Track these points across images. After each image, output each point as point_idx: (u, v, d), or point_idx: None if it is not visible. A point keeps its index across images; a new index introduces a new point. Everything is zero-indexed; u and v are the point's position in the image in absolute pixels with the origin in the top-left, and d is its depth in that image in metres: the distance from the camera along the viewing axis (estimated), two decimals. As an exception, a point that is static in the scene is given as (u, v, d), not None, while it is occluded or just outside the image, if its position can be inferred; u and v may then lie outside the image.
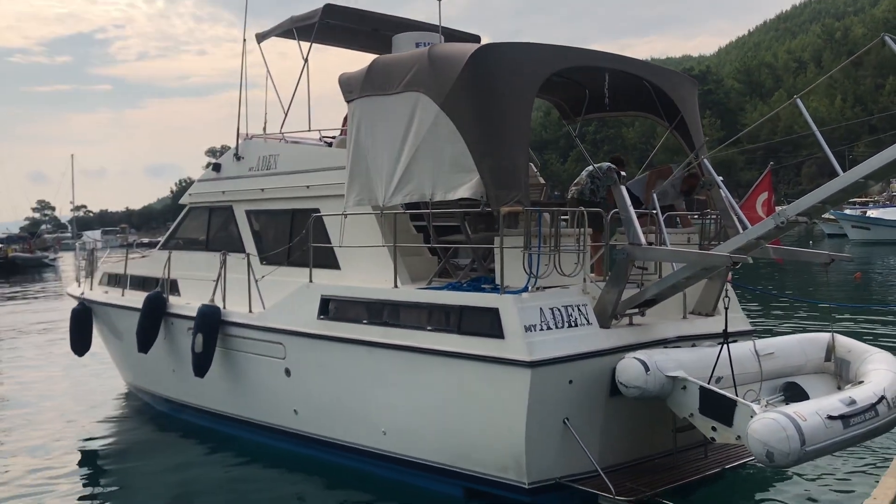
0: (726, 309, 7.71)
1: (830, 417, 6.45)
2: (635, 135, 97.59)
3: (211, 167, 12.65)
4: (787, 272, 30.48)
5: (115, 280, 14.19)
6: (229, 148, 12.55)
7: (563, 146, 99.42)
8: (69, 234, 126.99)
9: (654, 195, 8.60)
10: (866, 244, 47.76)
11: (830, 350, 8.51)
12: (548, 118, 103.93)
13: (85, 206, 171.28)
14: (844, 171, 6.72)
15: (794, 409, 6.47)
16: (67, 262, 71.17)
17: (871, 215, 51.76)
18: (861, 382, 7.53)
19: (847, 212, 52.84)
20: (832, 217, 48.63)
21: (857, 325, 15.64)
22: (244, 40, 12.07)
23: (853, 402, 6.82)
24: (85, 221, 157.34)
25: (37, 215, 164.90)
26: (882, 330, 15.55)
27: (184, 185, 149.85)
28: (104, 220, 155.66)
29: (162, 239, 13.93)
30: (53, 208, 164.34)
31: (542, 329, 7.51)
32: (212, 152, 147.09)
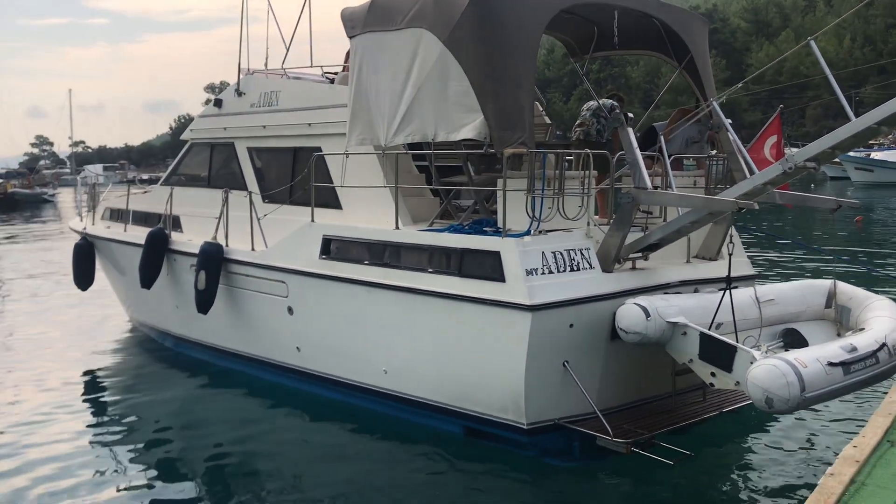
0: (730, 255, 7.65)
1: (831, 364, 6.46)
2: (639, 74, 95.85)
3: (212, 103, 12.47)
4: (790, 214, 30.35)
5: (117, 215, 14.17)
6: (228, 84, 12.36)
7: (567, 85, 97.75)
8: (68, 170, 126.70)
9: (670, 139, 8.46)
10: (869, 186, 47.26)
11: (831, 297, 8.49)
12: (551, 56, 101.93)
13: (83, 142, 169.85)
14: (851, 112, 6.56)
15: (795, 355, 6.47)
16: (66, 197, 71.29)
17: (876, 157, 51.01)
18: (862, 329, 7.52)
19: (850, 154, 51.98)
20: (836, 160, 47.95)
21: (857, 271, 15.60)
22: (245, -29, 11.76)
23: (854, 348, 6.81)
24: (84, 157, 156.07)
25: (35, 150, 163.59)
26: (882, 276, 15.53)
27: (183, 122, 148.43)
28: (103, 156, 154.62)
29: (164, 175, 13.84)
30: (52, 143, 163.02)
31: (543, 273, 7.48)
32: (211, 88, 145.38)
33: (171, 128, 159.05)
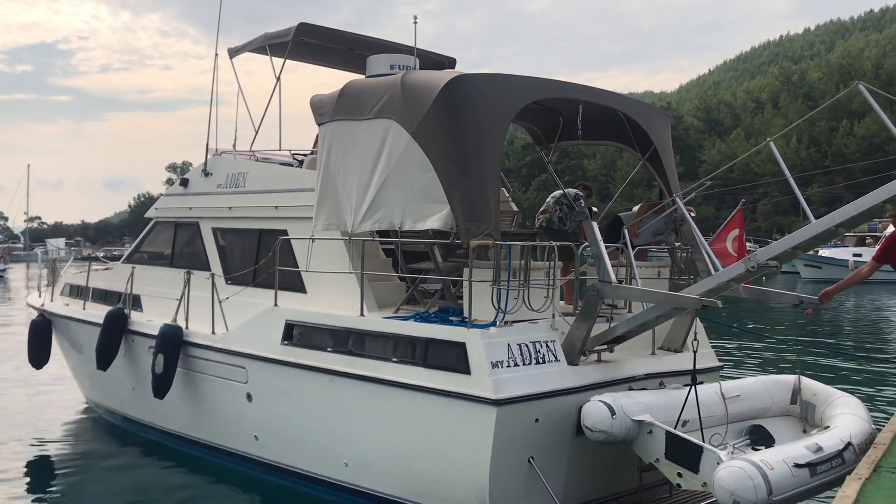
0: (695, 352, 7.65)
1: (797, 465, 6.39)
2: (596, 167, 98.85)
3: (178, 182, 12.41)
4: (746, 306, 30.82)
5: (76, 291, 13.87)
6: (191, 164, 12.37)
7: (526, 175, 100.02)
8: (21, 245, 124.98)
9: (638, 232, 8.55)
10: (818, 282, 48.48)
11: (796, 393, 8.48)
12: (510, 147, 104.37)
13: (39, 218, 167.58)
14: (800, 210, 6.69)
15: (761, 456, 6.40)
16: (18, 274, 70.08)
17: (823, 254, 52.65)
18: (827, 427, 7.49)
19: None
20: None
21: (814, 365, 15.76)
22: (216, 54, 11.88)
23: (819, 448, 6.76)
24: (38, 233, 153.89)
25: None
26: (831, 364, 15.67)
27: (142, 200, 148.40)
28: (58, 233, 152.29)
29: (126, 252, 13.64)
30: (6, 218, 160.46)
31: (509, 365, 7.39)
32: (172, 168, 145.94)
33: (129, 206, 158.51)
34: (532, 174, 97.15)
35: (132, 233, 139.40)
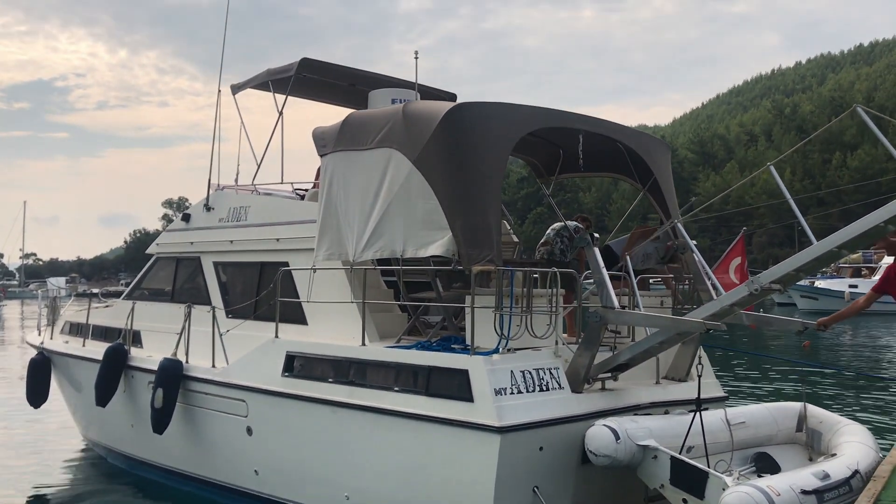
0: (699, 377, 7.58)
1: (804, 492, 6.30)
2: (591, 199, 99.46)
3: (180, 217, 12.44)
4: (745, 335, 30.71)
5: (76, 329, 13.81)
6: (187, 199, 12.49)
7: (521, 208, 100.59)
8: (16, 282, 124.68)
9: (630, 257, 8.54)
10: (814, 313, 48.44)
11: (802, 420, 8.40)
12: (506, 181, 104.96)
13: (35, 254, 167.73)
14: (796, 241, 6.70)
15: (768, 482, 6.30)
16: (12, 310, 69.84)
17: (819, 286, 52.59)
18: (834, 455, 7.40)
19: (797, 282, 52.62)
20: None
21: (819, 394, 15.64)
22: (219, 91, 12.02)
23: (826, 475, 6.67)
24: (34, 269, 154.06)
25: None
26: (836, 392, 15.56)
27: (139, 236, 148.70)
28: (54, 269, 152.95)
29: (115, 288, 13.61)
30: (1, 255, 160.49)
31: (512, 393, 7.32)
32: (169, 203, 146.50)
33: (125, 242, 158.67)
34: (528, 207, 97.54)
35: (128, 269, 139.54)
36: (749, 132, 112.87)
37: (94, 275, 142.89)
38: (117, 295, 14.44)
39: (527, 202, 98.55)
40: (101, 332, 12.91)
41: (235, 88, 12.26)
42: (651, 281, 10.13)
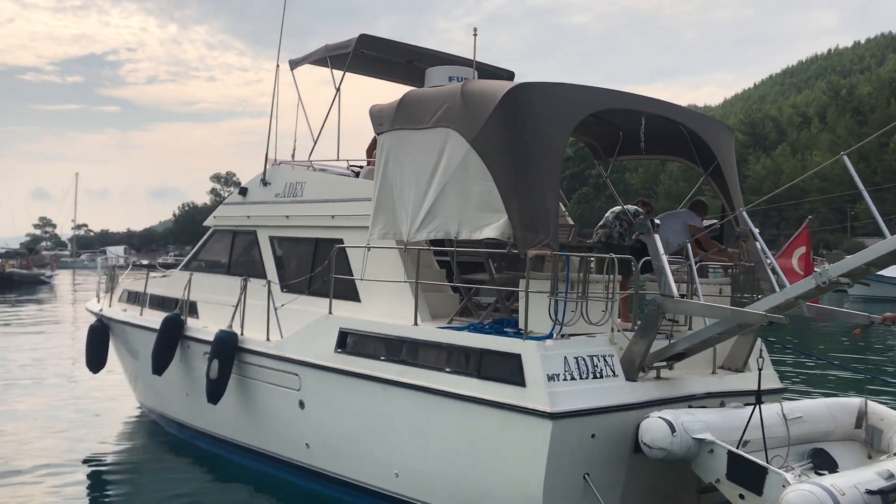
0: (760, 370, 7.39)
1: (869, 492, 6.10)
2: (638, 180, 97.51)
3: (237, 191, 12.57)
4: (800, 326, 29.93)
5: (134, 298, 14.11)
6: (234, 174, 12.62)
7: (566, 188, 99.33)
8: (68, 252, 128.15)
9: (688, 244, 8.35)
10: (866, 300, 46.97)
11: (862, 417, 8.15)
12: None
13: (86, 225, 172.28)
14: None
15: (831, 480, 6.12)
16: (64, 279, 71.96)
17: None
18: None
19: None
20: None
21: (881, 390, 15.16)
22: (277, 66, 12.04)
23: (892, 475, 6.46)
24: (85, 240, 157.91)
25: (37, 231, 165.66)
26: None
27: (187, 209, 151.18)
28: (105, 240, 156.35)
29: (184, 259, 13.84)
30: (54, 226, 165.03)
31: (565, 379, 7.24)
32: (217, 178, 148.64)
33: (174, 215, 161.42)
34: (573, 187, 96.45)
35: (176, 241, 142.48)
36: (802, 114, 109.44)
37: (144, 247, 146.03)
38: (174, 266, 14.68)
39: (572, 182, 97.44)
40: (158, 302, 13.18)
41: (294, 64, 12.27)
42: (710, 268, 9.91)
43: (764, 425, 7.18)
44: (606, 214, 9.42)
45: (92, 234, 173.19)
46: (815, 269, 8.05)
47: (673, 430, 6.90)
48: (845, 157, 6.77)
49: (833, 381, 18.47)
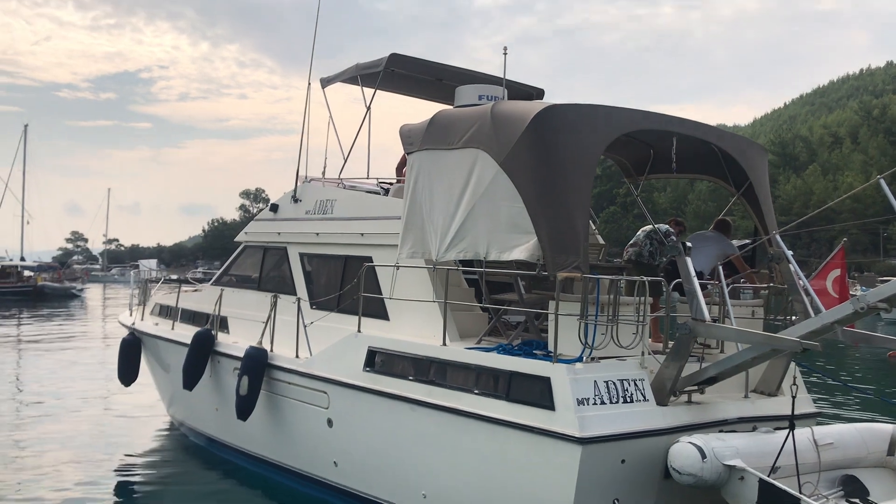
0: (794, 397, 7.27)
1: (904, 524, 5.96)
2: (667, 200, 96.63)
3: (268, 207, 12.68)
4: (830, 347, 29.29)
5: (166, 311, 14.27)
6: (264, 191, 12.72)
7: (594, 207, 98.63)
8: (99, 266, 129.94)
9: (719, 266, 8.26)
10: None
11: (894, 444, 7.96)
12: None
13: (117, 240, 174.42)
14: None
15: (866, 512, 5.99)
16: (95, 293, 72.94)
17: None
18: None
19: None
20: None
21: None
22: (308, 84, 12.14)
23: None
24: (116, 255, 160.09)
25: (69, 245, 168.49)
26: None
27: (216, 225, 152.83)
28: (135, 255, 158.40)
29: (213, 274, 13.97)
30: (86, 240, 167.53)
31: (595, 403, 7.17)
32: (246, 194, 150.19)
33: (203, 230, 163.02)
34: (600, 206, 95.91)
35: (205, 256, 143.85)
36: (833, 134, 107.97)
37: (173, 261, 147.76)
38: (204, 281, 14.83)
39: (600, 201, 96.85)
40: (190, 316, 13.31)
41: (325, 82, 12.38)
42: (742, 290, 9.78)
43: (796, 449, 7.05)
44: (638, 233, 9.35)
45: (123, 248, 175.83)
46: (850, 291, 7.92)
47: (703, 455, 6.80)
48: (882, 180, 6.65)
49: (865, 404, 18.11)
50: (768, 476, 6.83)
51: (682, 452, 6.92)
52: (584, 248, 7.58)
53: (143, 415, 15.51)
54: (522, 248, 7.78)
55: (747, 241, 10.11)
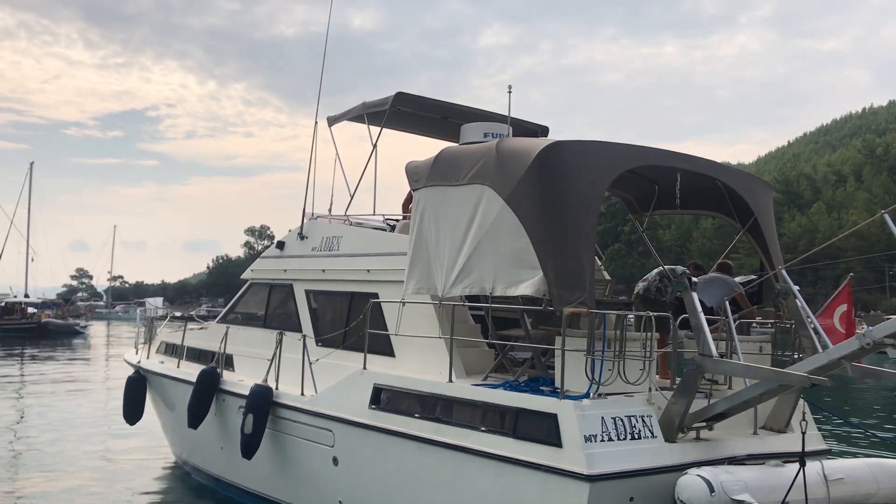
0: (804, 433, 7.20)
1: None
2: (671, 237, 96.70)
3: (275, 244, 12.73)
4: (836, 386, 28.91)
5: (171, 350, 14.26)
6: (268, 227, 12.77)
7: (598, 244, 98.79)
8: (103, 303, 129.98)
9: (725, 301, 8.24)
10: None
11: None
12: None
13: (122, 277, 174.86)
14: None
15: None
16: (98, 330, 72.84)
17: None
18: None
19: None
20: None
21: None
22: (315, 123, 12.28)
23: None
24: (120, 292, 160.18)
25: (74, 283, 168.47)
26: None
27: (221, 262, 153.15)
28: (139, 292, 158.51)
29: (218, 311, 13.99)
30: (91, 277, 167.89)
31: (602, 440, 7.12)
32: (251, 232, 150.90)
33: (208, 267, 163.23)
34: (605, 244, 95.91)
35: (209, 293, 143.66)
36: (837, 172, 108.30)
37: (177, 298, 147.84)
38: (210, 319, 14.84)
39: (604, 238, 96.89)
40: (195, 354, 13.29)
41: (332, 120, 12.52)
42: (754, 324, 9.75)
43: (806, 487, 6.97)
44: (652, 271, 9.35)
45: (127, 285, 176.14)
46: (856, 329, 7.89)
47: (712, 489, 6.72)
48: (886, 216, 6.67)
49: (875, 442, 17.91)
50: None
51: (691, 485, 6.84)
52: (591, 283, 7.59)
53: (148, 455, 15.40)
54: (528, 283, 7.79)
55: (753, 276, 10.10)
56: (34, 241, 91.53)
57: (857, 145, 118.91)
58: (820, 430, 9.27)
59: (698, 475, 6.92)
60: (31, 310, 69.78)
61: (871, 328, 6.52)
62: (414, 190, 9.49)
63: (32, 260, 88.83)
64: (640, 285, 9.10)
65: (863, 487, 7.79)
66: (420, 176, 9.38)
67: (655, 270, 9.12)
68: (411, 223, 9.45)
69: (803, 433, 7.25)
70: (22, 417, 20.27)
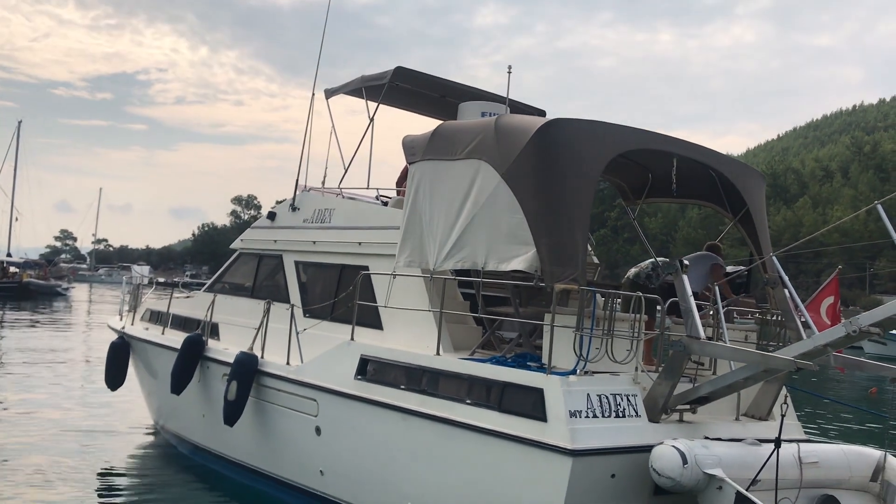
0: (783, 416, 7.28)
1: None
2: (657, 225, 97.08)
3: (266, 215, 12.69)
4: (810, 377, 29.23)
5: (156, 317, 14.20)
6: (256, 197, 12.71)
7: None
8: (86, 266, 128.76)
9: (716, 287, 8.30)
10: (882, 359, 46.21)
11: (879, 470, 7.96)
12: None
13: (106, 240, 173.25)
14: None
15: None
16: (80, 292, 71.95)
17: (892, 331, 49.84)
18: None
19: None
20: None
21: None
22: (312, 94, 12.23)
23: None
24: (104, 255, 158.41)
25: (58, 244, 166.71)
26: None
27: (206, 229, 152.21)
28: (123, 256, 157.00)
29: (203, 278, 13.94)
30: (75, 239, 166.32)
31: (587, 416, 7.16)
32: (238, 201, 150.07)
33: (193, 234, 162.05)
34: (591, 229, 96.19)
35: (193, 260, 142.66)
36: (825, 168, 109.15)
37: (161, 264, 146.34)
38: (196, 287, 14.78)
39: (591, 223, 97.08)
40: (181, 322, 13.25)
41: (329, 93, 12.48)
42: (735, 314, 9.83)
43: (778, 468, 7.04)
44: (647, 260, 9.43)
45: (111, 249, 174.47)
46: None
47: (685, 461, 6.78)
48: (879, 206, 6.74)
49: (854, 433, 18.13)
50: (747, 489, 6.81)
51: (664, 455, 6.90)
52: (583, 261, 7.63)
53: (128, 420, 15.33)
54: (521, 259, 7.82)
55: (741, 266, 10.18)
56: (19, 201, 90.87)
57: (845, 142, 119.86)
58: (803, 418, 9.37)
59: (673, 446, 6.96)
60: (12, 269, 69.03)
61: (858, 316, 6.59)
62: (410, 163, 9.48)
63: (16, 220, 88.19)
64: (632, 271, 9.20)
65: (836, 473, 7.89)
66: (417, 149, 9.38)
67: (650, 260, 9.22)
68: (406, 196, 9.45)
69: (783, 416, 7.33)
70: None
